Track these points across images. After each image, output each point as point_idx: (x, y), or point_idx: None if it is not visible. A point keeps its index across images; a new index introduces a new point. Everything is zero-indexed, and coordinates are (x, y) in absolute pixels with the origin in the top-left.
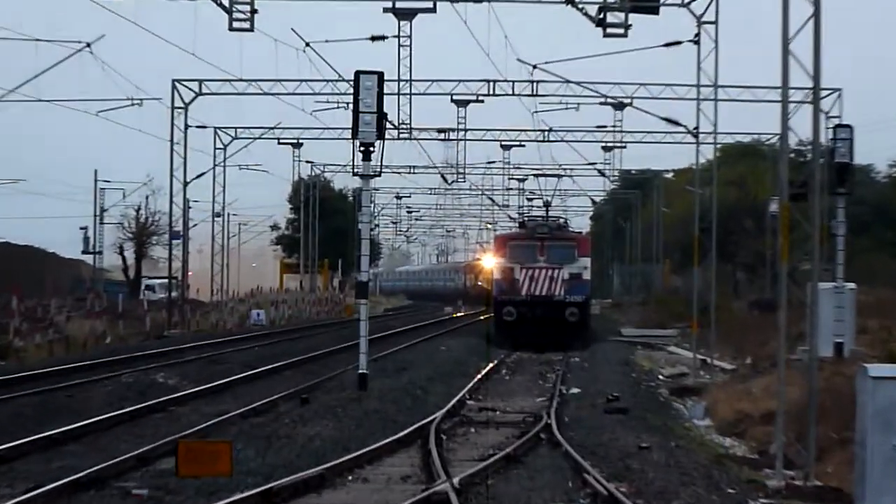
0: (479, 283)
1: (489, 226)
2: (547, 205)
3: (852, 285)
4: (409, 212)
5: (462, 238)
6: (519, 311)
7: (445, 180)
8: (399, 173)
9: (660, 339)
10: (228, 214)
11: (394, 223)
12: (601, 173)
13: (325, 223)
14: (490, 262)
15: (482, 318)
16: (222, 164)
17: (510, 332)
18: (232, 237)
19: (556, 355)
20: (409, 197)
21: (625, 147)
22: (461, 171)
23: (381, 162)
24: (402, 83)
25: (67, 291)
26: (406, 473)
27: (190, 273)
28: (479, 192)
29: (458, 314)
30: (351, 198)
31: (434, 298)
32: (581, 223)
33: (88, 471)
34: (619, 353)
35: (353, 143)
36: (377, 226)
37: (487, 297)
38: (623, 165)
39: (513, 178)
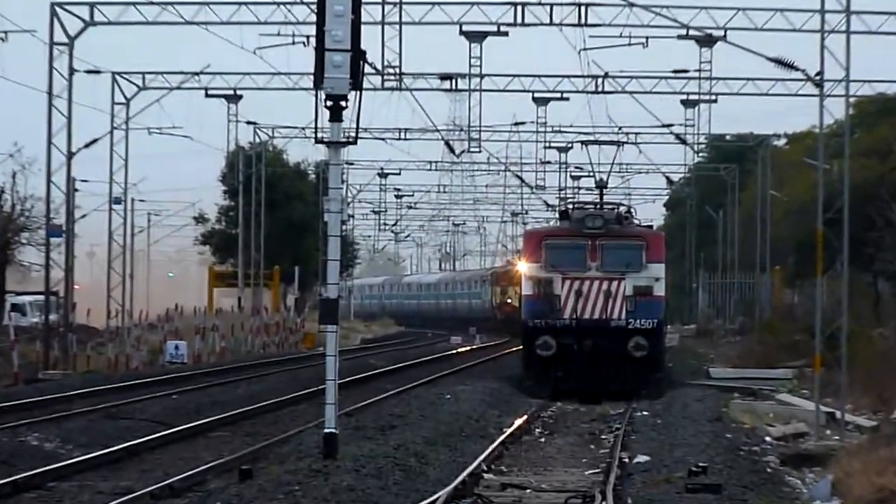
0: (508, 301)
1: (516, 217)
2: (601, 186)
3: None
4: (398, 196)
5: (477, 234)
6: (560, 343)
7: (452, 150)
8: (384, 140)
9: (766, 384)
10: (133, 201)
11: (376, 213)
12: (680, 140)
13: (274, 213)
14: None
15: (505, 350)
16: (124, 126)
17: (547, 373)
18: (138, 233)
19: (615, 407)
20: (399, 174)
21: (715, 101)
22: (475, 136)
23: (358, 124)
24: (388, 6)
25: None
26: None
27: (76, 287)
28: (502, 168)
29: (470, 347)
30: (313, 176)
31: (435, 323)
32: (651, 213)
33: None
34: (707, 405)
35: (317, 95)
36: (351, 217)
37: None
38: (713, 128)
39: (550, 147)
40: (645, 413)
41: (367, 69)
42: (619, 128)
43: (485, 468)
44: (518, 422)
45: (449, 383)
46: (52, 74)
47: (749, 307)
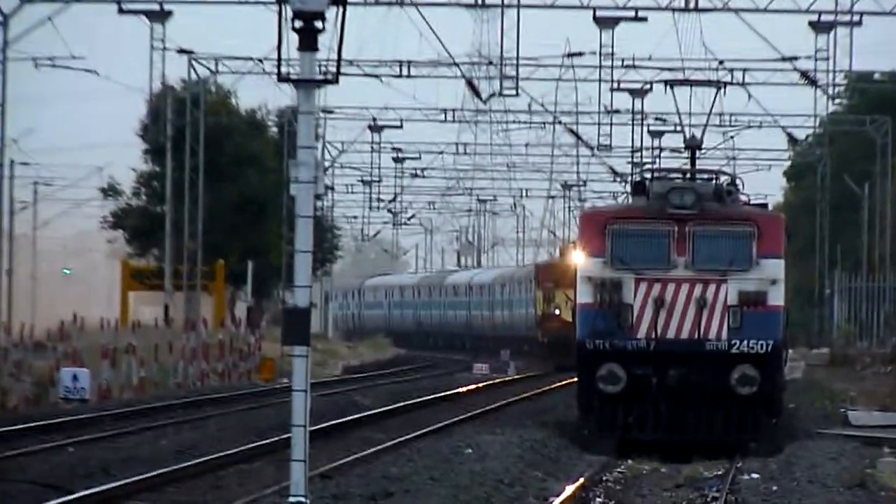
0: (556, 313)
1: (569, 191)
2: (693, 146)
3: None
4: (398, 160)
5: (512, 215)
6: (632, 375)
7: (477, 93)
8: (378, 78)
9: None
10: (13, 164)
11: (366, 184)
12: (809, 80)
13: (219, 184)
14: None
15: (555, 383)
16: None
17: (614, 418)
18: (20, 211)
19: (711, 467)
20: (400, 128)
21: (858, 23)
22: (510, 73)
23: (340, 54)
24: None
25: None
26: None
27: None
28: (549, 120)
29: (502, 379)
30: (274, 129)
31: (449, 343)
32: (765, 185)
33: None
34: (845, 464)
35: (281, 11)
36: (330, 190)
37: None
38: (855, 63)
39: (620, 90)
40: (754, 476)
41: None
42: (720, 62)
43: None
44: (570, 489)
45: (470, 432)
46: None
47: None
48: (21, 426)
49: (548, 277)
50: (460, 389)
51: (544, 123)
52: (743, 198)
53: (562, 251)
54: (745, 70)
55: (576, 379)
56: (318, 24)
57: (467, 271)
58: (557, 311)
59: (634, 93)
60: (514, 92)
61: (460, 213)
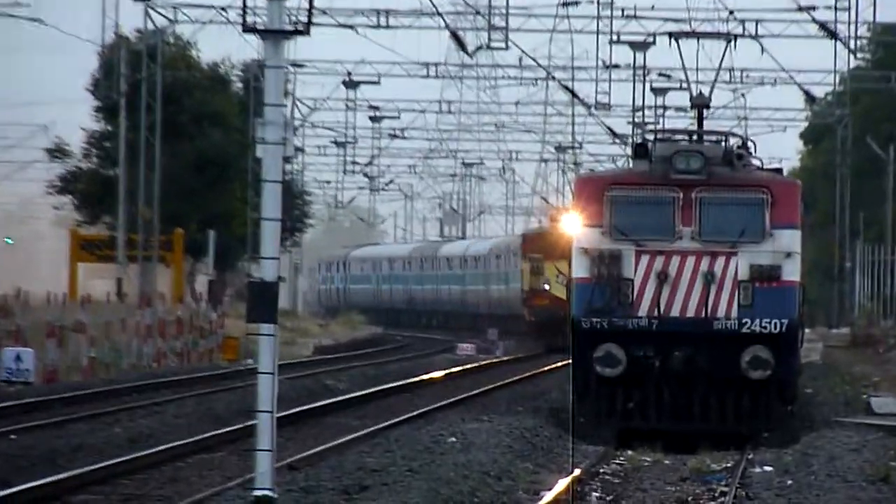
0: (545, 287)
1: (564, 154)
2: (701, 105)
3: None
4: (375, 119)
5: (500, 180)
6: (632, 357)
7: (462, 46)
8: (353, 28)
9: None
10: None
11: (340, 146)
12: (828, 32)
13: (177, 145)
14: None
15: (547, 366)
16: None
17: (612, 404)
18: None
19: (720, 459)
20: (377, 83)
21: None
22: (499, 23)
23: (312, 2)
24: None
25: None
26: None
27: None
28: (542, 75)
29: (488, 361)
30: (238, 85)
31: (432, 321)
32: (780, 148)
33: None
34: (868, 456)
35: None
36: (301, 152)
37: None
38: (880, 14)
39: (620, 42)
40: (768, 469)
41: None
42: (731, 12)
43: None
44: (563, 482)
45: (454, 419)
46: None
47: None
48: None
49: (536, 248)
50: (442, 372)
51: (536, 79)
52: (755, 162)
53: (552, 217)
54: (757, 21)
55: (569, 361)
56: None
57: (463, 241)
58: (546, 287)
59: (636, 46)
60: (503, 45)
61: (443, 178)
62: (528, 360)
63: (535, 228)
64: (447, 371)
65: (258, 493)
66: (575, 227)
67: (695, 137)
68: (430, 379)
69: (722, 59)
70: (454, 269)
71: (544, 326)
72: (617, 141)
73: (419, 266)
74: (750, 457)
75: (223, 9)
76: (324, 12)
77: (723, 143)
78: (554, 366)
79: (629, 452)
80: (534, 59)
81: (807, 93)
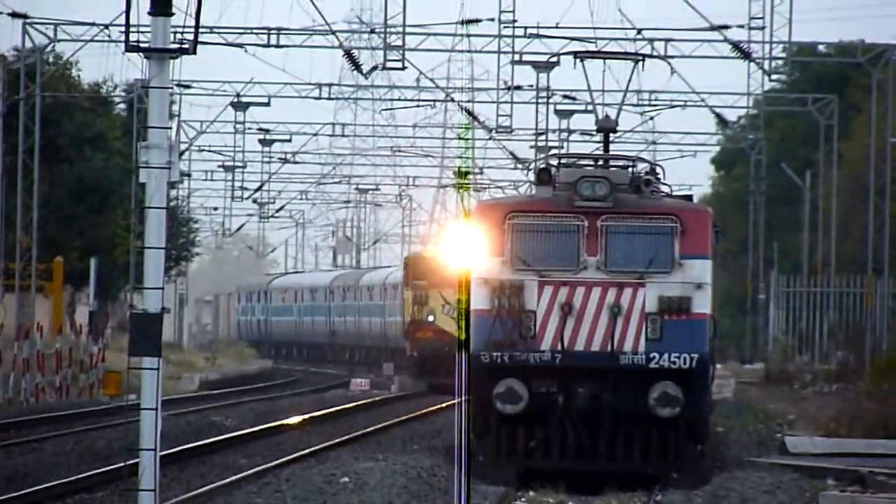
0: (430, 320)
1: (464, 183)
2: (607, 129)
3: None
4: (265, 143)
5: (398, 206)
6: (535, 393)
7: (356, 66)
8: (243, 48)
9: (885, 464)
10: None
11: (228, 170)
12: (742, 52)
13: (57, 168)
14: (466, 264)
15: (446, 403)
16: None
17: (513, 443)
18: None
19: (627, 500)
20: (268, 105)
21: None
22: (395, 42)
23: (198, 19)
24: None
25: None
26: None
27: None
28: (441, 97)
29: (386, 395)
30: (121, 106)
31: (355, 356)
32: (691, 174)
33: None
34: (783, 498)
35: None
36: (187, 177)
37: (456, 352)
38: (795, 34)
39: (522, 62)
40: None
41: None
42: (639, 31)
43: None
44: None
45: (347, 458)
46: None
47: (855, 335)
48: None
49: (420, 274)
50: (335, 408)
51: (435, 101)
52: (664, 188)
53: (438, 241)
54: (667, 41)
55: (470, 397)
56: None
57: (385, 269)
58: (431, 318)
59: (539, 66)
60: (399, 65)
61: (337, 205)
62: (423, 396)
63: (420, 252)
64: (350, 405)
65: None
66: (474, 255)
67: (601, 162)
68: (332, 413)
69: (629, 80)
70: (374, 299)
71: (427, 362)
72: (519, 166)
73: (341, 297)
74: (658, 498)
75: (105, 26)
76: (211, 30)
77: (630, 169)
78: (447, 404)
79: (531, 493)
80: (432, 80)
81: (718, 116)
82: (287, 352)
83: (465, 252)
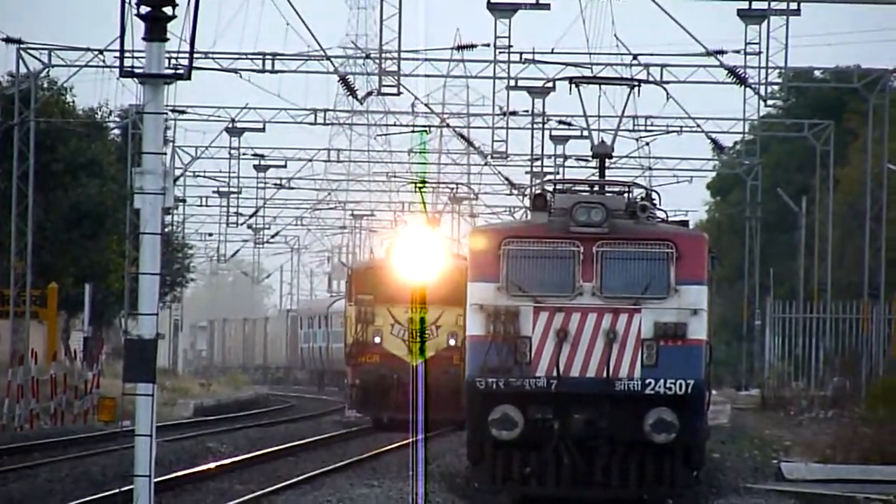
0: (377, 342)
1: (458, 205)
2: (603, 155)
3: None
4: (259, 168)
5: (391, 231)
6: (530, 420)
7: (352, 91)
8: (237, 73)
9: (882, 490)
10: None
11: (223, 196)
12: (738, 78)
13: (52, 194)
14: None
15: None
16: None
17: (509, 469)
18: None
19: None
20: (263, 131)
21: (797, 12)
22: (390, 68)
23: (193, 45)
24: None
25: None
26: None
27: None
28: (436, 123)
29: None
30: (116, 132)
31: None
32: (687, 200)
33: None
34: None
35: None
36: (182, 203)
37: (452, 385)
38: (792, 59)
39: (518, 87)
40: None
41: None
42: (634, 56)
43: None
44: None
45: (342, 484)
46: None
47: (852, 361)
48: None
49: (366, 287)
50: (330, 434)
51: (430, 127)
52: (660, 214)
53: (389, 249)
54: (662, 66)
55: (466, 422)
56: (168, 10)
57: None
58: (378, 340)
59: (534, 92)
60: (395, 90)
61: (332, 231)
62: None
63: (367, 261)
64: (344, 431)
65: None
66: (470, 282)
67: (596, 188)
68: (328, 439)
69: (625, 105)
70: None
71: (372, 392)
72: (515, 192)
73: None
74: None
75: (100, 52)
76: (206, 55)
77: (626, 195)
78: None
79: None
80: (427, 106)
81: (714, 141)
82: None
83: (421, 261)
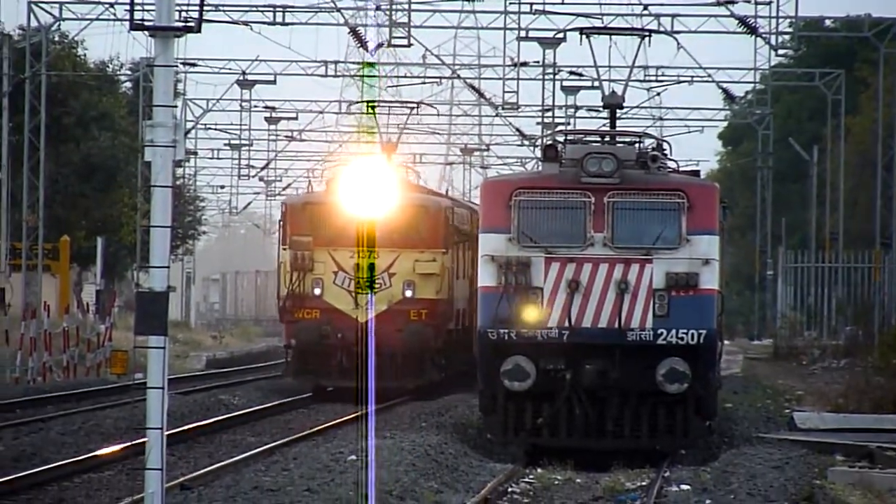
0: (316, 292)
1: (469, 157)
2: (613, 105)
3: None
4: (271, 120)
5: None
6: (542, 370)
7: (362, 43)
8: (248, 25)
9: (893, 439)
10: None
11: (234, 149)
12: (748, 27)
13: (63, 148)
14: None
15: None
16: None
17: (521, 420)
18: None
19: (634, 477)
20: (274, 83)
21: None
22: (401, 19)
23: None
24: None
25: None
26: None
27: None
28: (447, 74)
29: None
30: (127, 85)
31: None
32: (698, 150)
33: None
34: (791, 474)
35: None
36: (193, 155)
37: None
38: (802, 9)
39: (528, 38)
40: (684, 488)
41: None
42: (645, 7)
43: None
44: (471, 503)
45: (354, 436)
46: None
47: (864, 310)
48: None
49: (303, 226)
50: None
51: (441, 78)
52: (671, 164)
53: (331, 181)
54: (673, 16)
55: (477, 374)
56: None
57: None
58: (318, 291)
59: (545, 43)
60: (405, 41)
61: None
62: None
63: (304, 195)
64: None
65: None
66: (482, 233)
67: (607, 139)
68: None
69: (636, 56)
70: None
71: (311, 356)
72: (526, 143)
73: None
74: (666, 475)
75: (111, 5)
76: (216, 8)
77: (637, 145)
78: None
79: (539, 470)
80: (438, 57)
81: (725, 91)
82: None
83: (371, 195)
